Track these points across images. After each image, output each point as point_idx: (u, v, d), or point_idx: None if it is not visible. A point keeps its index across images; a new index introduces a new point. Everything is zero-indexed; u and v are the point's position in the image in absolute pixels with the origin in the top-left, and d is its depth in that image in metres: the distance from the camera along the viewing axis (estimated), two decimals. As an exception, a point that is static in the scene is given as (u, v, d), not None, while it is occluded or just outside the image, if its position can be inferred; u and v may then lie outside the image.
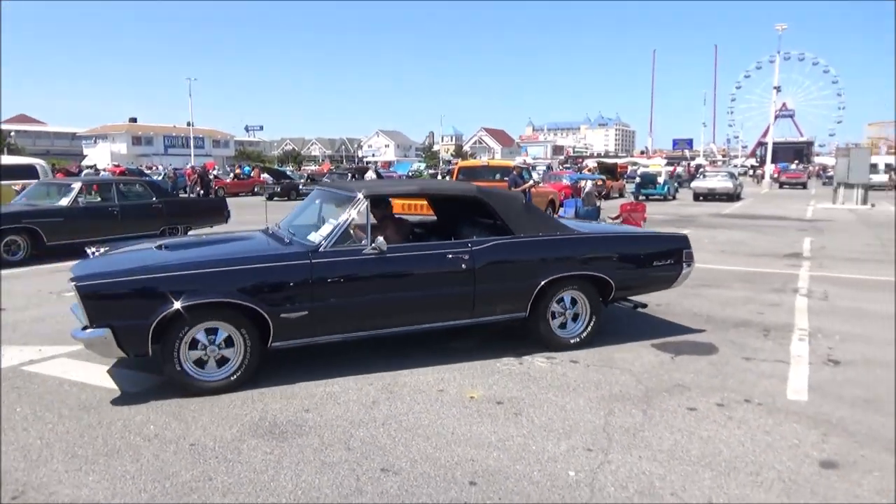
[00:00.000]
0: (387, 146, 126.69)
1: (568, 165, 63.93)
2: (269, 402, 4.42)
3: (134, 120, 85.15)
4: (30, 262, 10.37)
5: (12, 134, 65.92)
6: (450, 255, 5.15)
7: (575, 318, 5.69)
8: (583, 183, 21.84)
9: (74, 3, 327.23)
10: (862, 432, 3.97)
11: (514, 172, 17.52)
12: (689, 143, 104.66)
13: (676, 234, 6.50)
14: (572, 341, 5.60)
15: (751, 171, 63.67)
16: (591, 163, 51.10)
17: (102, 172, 36.75)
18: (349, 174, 31.69)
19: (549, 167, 49.37)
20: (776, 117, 57.84)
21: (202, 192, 28.45)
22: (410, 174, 50.05)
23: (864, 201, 24.88)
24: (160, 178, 32.92)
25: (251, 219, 18.38)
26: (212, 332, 4.55)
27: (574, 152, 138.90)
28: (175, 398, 4.47)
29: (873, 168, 32.76)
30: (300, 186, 30.81)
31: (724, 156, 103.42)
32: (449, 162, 73.60)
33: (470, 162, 28.70)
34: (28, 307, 7.33)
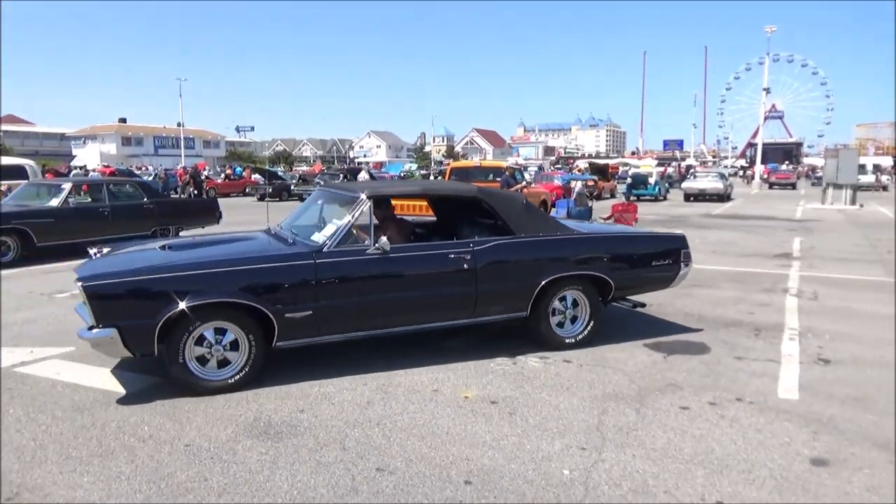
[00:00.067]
0: (378, 147, 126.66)
1: (559, 166, 64.09)
2: (264, 403, 4.42)
3: (123, 120, 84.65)
4: (20, 263, 10.29)
5: (0, 135, 65.39)
6: (452, 255, 5.19)
7: (574, 318, 5.73)
8: (573, 183, 21.92)
9: (62, 3, 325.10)
10: (852, 430, 4.02)
11: (507, 173, 17.59)
12: (680, 143, 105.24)
13: (675, 234, 6.55)
14: (572, 340, 5.64)
15: (741, 172, 64.02)
16: (582, 163, 51.28)
17: (92, 173, 36.49)
18: (341, 175, 31.63)
19: (540, 168, 49.44)
20: (766, 118, 58.17)
21: (195, 192, 28.33)
22: (402, 175, 50.08)
23: (853, 202, 25.09)
24: (150, 178, 32.74)
25: (243, 219, 18.32)
26: (218, 332, 4.57)
27: (565, 153, 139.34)
28: (169, 399, 4.46)
29: (861, 169, 33.03)
30: (291, 187, 30.74)
31: (714, 157, 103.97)
32: (440, 163, 73.60)
33: (462, 163, 28.71)
34: (19, 308, 7.29)
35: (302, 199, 27.99)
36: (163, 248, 5.28)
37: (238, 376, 4.61)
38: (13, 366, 5.21)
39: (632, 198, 28.43)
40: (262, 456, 3.63)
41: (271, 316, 4.58)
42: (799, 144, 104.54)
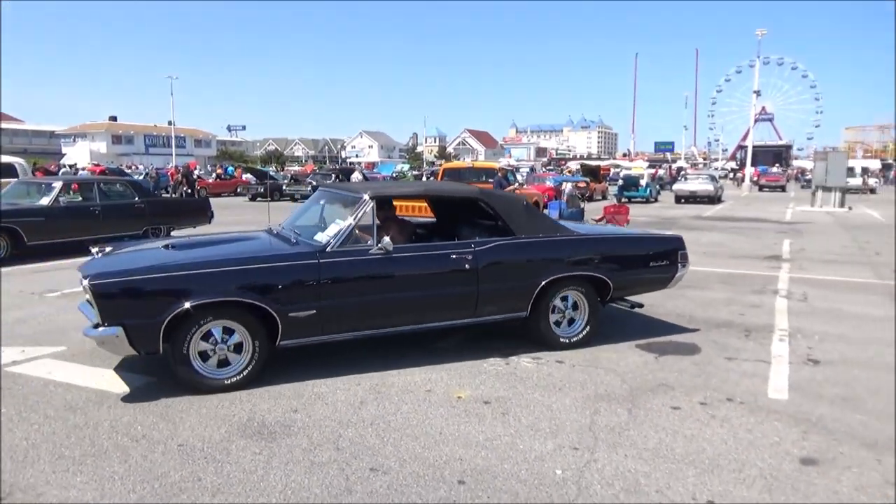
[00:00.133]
0: (370, 147, 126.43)
1: (551, 167, 64.22)
2: (257, 403, 4.42)
3: (114, 118, 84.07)
4: (10, 261, 10.22)
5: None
6: (453, 256, 5.23)
7: (573, 319, 5.77)
8: (564, 185, 21.96)
9: (51, 1, 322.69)
10: (841, 430, 4.07)
11: (499, 174, 17.62)
12: (671, 145, 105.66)
13: (672, 236, 6.61)
14: (571, 340, 5.68)
15: (731, 174, 64.45)
16: (574, 165, 51.38)
17: (81, 172, 36.23)
18: (333, 175, 31.54)
19: (532, 169, 49.55)
20: (756, 121, 58.44)
21: (188, 191, 28.20)
22: (394, 175, 49.97)
23: (842, 204, 25.30)
24: (141, 177, 32.57)
25: (234, 219, 18.30)
26: (226, 331, 4.60)
27: (557, 154, 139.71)
28: (162, 399, 4.46)
29: (850, 172, 33.30)
30: (283, 187, 30.63)
31: (705, 159, 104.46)
32: (433, 163, 73.64)
33: (454, 163, 28.76)
34: (10, 308, 7.24)
35: (294, 200, 28.06)
36: (166, 247, 5.30)
37: (242, 374, 4.63)
38: (5, 365, 5.18)
39: (623, 199, 28.54)
40: (255, 456, 3.64)
41: (275, 315, 4.61)
42: (788, 147, 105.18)
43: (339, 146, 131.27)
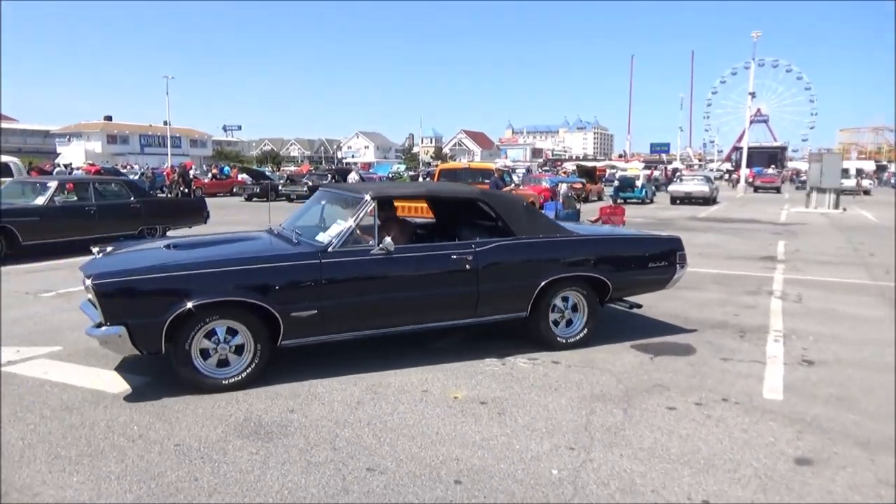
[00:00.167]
0: (366, 147, 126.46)
1: (547, 168, 64.27)
2: (254, 403, 4.42)
3: (109, 118, 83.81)
4: (5, 261, 10.18)
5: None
6: (454, 256, 5.25)
7: (571, 319, 5.79)
8: (560, 186, 21.98)
9: (47, 1, 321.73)
10: (835, 430, 4.09)
11: (496, 175, 17.63)
12: (667, 147, 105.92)
13: (670, 237, 6.63)
14: (571, 340, 5.71)
15: (726, 176, 64.58)
16: (570, 166, 51.44)
17: (76, 171, 36.10)
18: (329, 175, 31.50)
19: (528, 170, 49.58)
20: (751, 122, 58.72)
21: (185, 190, 28.14)
22: (390, 176, 49.98)
23: (837, 205, 25.41)
24: (137, 177, 32.47)
25: (230, 219, 18.28)
26: (230, 332, 4.61)
27: (553, 155, 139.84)
28: (158, 399, 4.45)
29: (844, 173, 33.45)
30: (279, 187, 30.59)
31: (700, 160, 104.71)
32: (429, 164, 73.60)
33: (451, 164, 28.77)
34: (5, 307, 7.20)
35: (290, 200, 28.03)
36: (167, 247, 5.31)
37: (244, 374, 4.65)
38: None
39: (619, 200, 28.57)
40: (252, 456, 3.64)
41: (277, 315, 4.63)
42: (783, 148, 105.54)
43: (335, 147, 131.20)
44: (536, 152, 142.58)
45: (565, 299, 5.73)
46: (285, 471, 3.46)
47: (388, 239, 4.98)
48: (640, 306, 6.47)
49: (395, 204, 6.26)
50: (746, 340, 6.19)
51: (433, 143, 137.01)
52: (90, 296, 4.54)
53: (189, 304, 4.37)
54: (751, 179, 48.24)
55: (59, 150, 74.68)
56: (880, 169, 70.05)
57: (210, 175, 39.16)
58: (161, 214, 12.84)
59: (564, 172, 42.08)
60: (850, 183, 38.52)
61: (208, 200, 15.55)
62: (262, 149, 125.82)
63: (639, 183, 31.08)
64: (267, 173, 39.80)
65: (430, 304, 5.23)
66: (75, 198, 11.68)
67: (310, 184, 29.16)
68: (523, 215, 5.80)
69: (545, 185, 25.07)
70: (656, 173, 46.74)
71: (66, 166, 41.44)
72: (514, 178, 25.12)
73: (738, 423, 4.17)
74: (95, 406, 4.35)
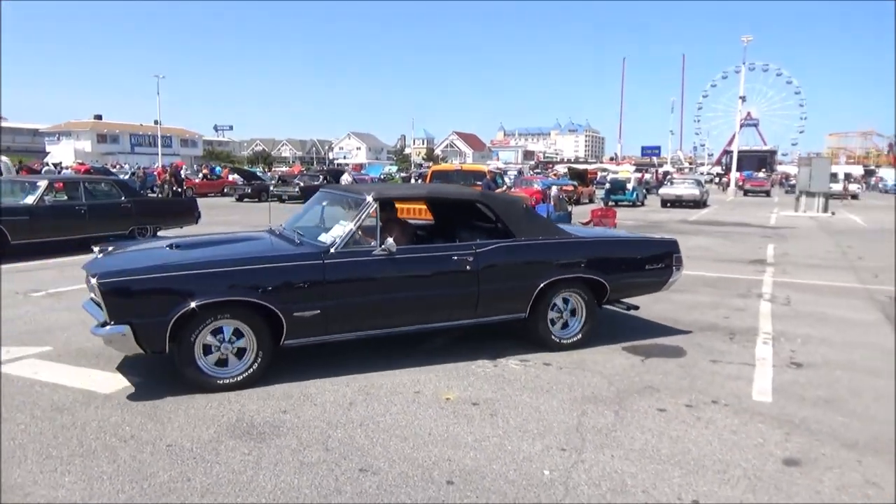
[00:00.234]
0: (358, 148, 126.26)
1: (539, 171, 64.40)
2: (246, 403, 4.42)
3: (99, 117, 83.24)
4: (-7, 261, 10.11)
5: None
6: (455, 257, 5.28)
7: (567, 322, 5.83)
8: (551, 188, 22.02)
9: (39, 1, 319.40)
10: (823, 431, 4.14)
11: (488, 177, 17.65)
12: (658, 150, 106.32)
13: (668, 239, 6.67)
14: (568, 342, 5.74)
15: (716, 179, 64.91)
16: (561, 168, 51.53)
17: (65, 171, 35.85)
18: (322, 176, 31.45)
19: (520, 172, 49.66)
20: (741, 126, 59.10)
21: (177, 189, 28.01)
22: (382, 177, 49.92)
23: (825, 209, 25.62)
24: (126, 176, 32.30)
25: (222, 220, 18.23)
26: (236, 333, 4.63)
27: (544, 157, 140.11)
28: (150, 399, 4.45)
29: (833, 177, 33.72)
30: (271, 188, 30.52)
31: (690, 163, 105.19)
32: (420, 165, 73.62)
33: (443, 166, 28.80)
34: (-6, 307, 7.17)
35: (282, 200, 27.95)
36: (171, 247, 5.30)
37: (247, 373, 4.66)
38: (-11, 365, 5.14)
39: (610, 203, 28.67)
40: (245, 456, 3.64)
41: (280, 314, 4.65)
42: (773, 152, 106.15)
43: (326, 147, 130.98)
44: (528, 154, 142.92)
45: (565, 300, 5.77)
46: (278, 471, 3.47)
47: (390, 240, 5.01)
48: (636, 308, 6.51)
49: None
50: (736, 343, 6.24)
51: (425, 145, 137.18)
52: (94, 294, 4.53)
53: (193, 304, 4.38)
54: (741, 183, 48.51)
55: (48, 148, 74.13)
56: (868, 174, 70.62)
57: (201, 175, 39.04)
58: (152, 214, 12.78)
59: (556, 175, 42.16)
60: (838, 187, 38.87)
61: (199, 200, 15.50)
62: (253, 149, 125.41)
63: (630, 186, 31.17)
64: (258, 174, 39.67)
65: (431, 304, 5.26)
66: (65, 197, 11.62)
67: (301, 184, 29.12)
68: (523, 217, 5.84)
69: (537, 187, 25.12)
70: (647, 176, 46.84)
71: (55, 165, 41.12)
72: (506, 180, 25.15)
73: (727, 425, 4.21)
74: (87, 406, 4.34)
